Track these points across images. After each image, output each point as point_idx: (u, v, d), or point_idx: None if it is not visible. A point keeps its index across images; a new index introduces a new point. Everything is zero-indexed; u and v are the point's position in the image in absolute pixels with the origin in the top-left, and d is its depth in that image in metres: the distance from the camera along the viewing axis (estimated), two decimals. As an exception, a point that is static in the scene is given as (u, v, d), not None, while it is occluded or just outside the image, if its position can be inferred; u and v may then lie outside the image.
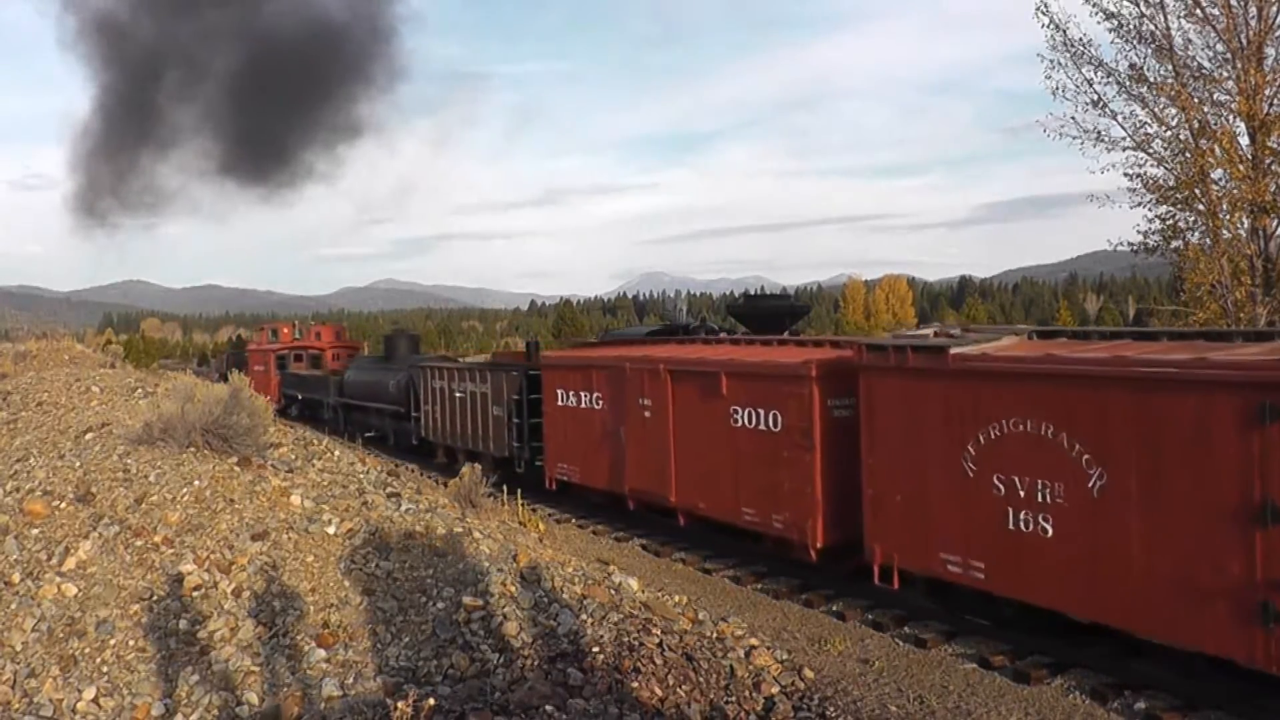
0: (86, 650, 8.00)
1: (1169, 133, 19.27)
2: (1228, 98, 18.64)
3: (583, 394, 16.52)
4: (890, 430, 10.69)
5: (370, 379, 29.36)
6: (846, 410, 11.56)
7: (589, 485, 16.83)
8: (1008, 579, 9.56)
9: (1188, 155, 19.02)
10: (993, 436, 9.57)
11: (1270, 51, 18.24)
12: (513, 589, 9.03)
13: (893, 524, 10.70)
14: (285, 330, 45.64)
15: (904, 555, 10.67)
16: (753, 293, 20.95)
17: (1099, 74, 19.67)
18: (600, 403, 16.05)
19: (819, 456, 11.72)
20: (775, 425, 12.34)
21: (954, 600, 10.65)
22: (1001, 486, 9.48)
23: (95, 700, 7.58)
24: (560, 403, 17.23)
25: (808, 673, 9.19)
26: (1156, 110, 19.30)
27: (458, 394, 21.68)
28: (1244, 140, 18.55)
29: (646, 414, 14.65)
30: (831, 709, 8.48)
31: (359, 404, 30.00)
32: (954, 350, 9.99)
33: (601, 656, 8.21)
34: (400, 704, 5.54)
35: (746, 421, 12.77)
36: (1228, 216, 18.96)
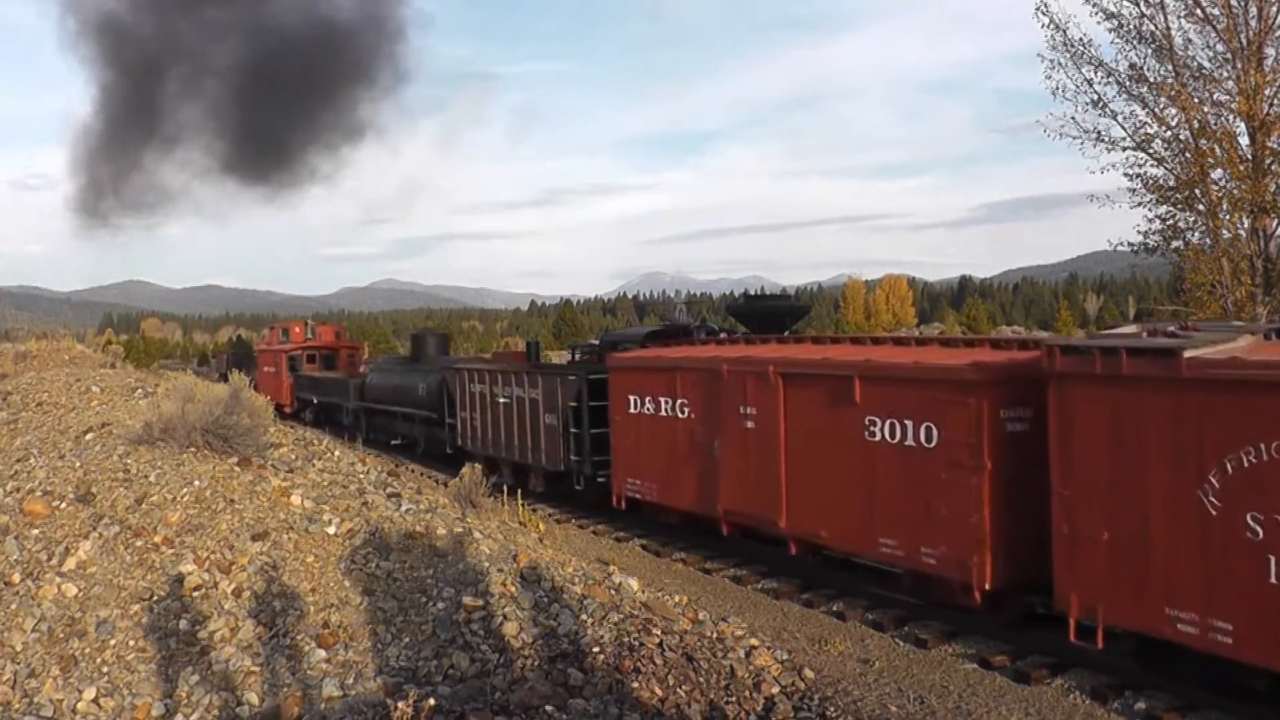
0: (87, 650, 8.00)
1: (1169, 133, 19.27)
2: (1228, 98, 18.64)
3: (663, 400, 14.52)
4: (1094, 453, 8.81)
5: (396, 382, 27.10)
6: (1021, 424, 9.85)
7: (668, 505, 14.78)
8: (1268, 645, 7.69)
9: (1188, 155, 19.03)
10: (1246, 465, 7.76)
11: (1270, 51, 18.25)
12: (513, 589, 9.03)
13: (1096, 569, 8.83)
14: (296, 329, 42.88)
15: (1111, 608, 8.75)
16: (753, 293, 20.75)
17: (1099, 74, 19.68)
18: (686, 410, 14.02)
19: (989, 479, 9.79)
20: (928, 440, 10.41)
21: (1179, 664, 8.74)
22: (1259, 529, 7.69)
23: (95, 700, 7.59)
24: (633, 410, 15.17)
25: (808, 673, 9.19)
26: (1156, 110, 19.31)
27: (501, 399, 19.49)
28: (1244, 140, 18.55)
29: (749, 424, 12.64)
30: (832, 709, 8.47)
31: (383, 409, 27.80)
32: (1189, 354, 8.08)
33: (602, 657, 8.21)
34: (400, 704, 5.55)
35: (888, 435, 10.83)
36: (1228, 217, 18.96)
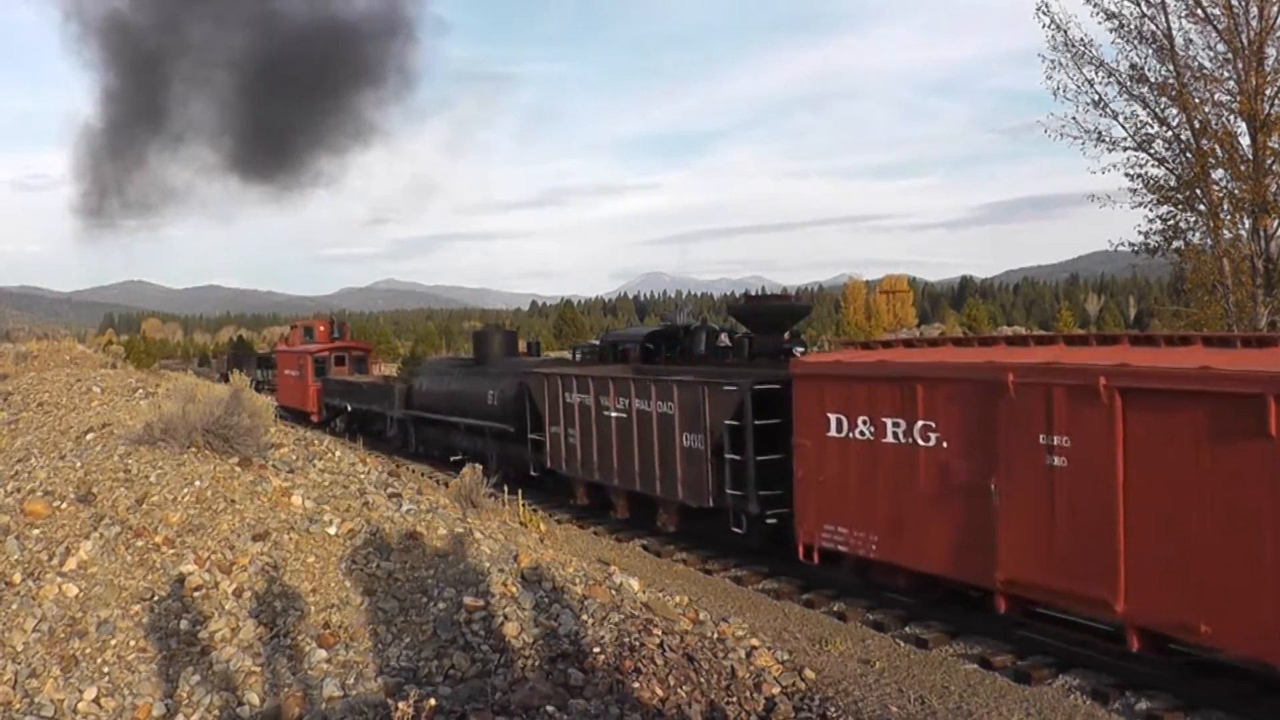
0: (87, 650, 8.00)
1: (1170, 133, 19.29)
2: (1229, 98, 18.65)
3: (891, 422, 10.95)
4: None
5: (456, 388, 23.39)
6: None
7: (895, 563, 11.16)
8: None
9: (1189, 155, 19.04)
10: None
11: (1271, 51, 18.26)
12: (514, 589, 9.03)
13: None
14: (321, 328, 39.37)
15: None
16: (753, 293, 20.58)
17: (1100, 74, 19.69)
18: (935, 437, 10.50)
19: None
20: None
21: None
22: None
23: (96, 700, 7.59)
24: (835, 433, 11.62)
25: (809, 673, 9.19)
26: (1157, 110, 19.32)
27: (613, 414, 15.70)
28: (1245, 140, 18.55)
29: (1056, 460, 9.24)
30: (832, 709, 8.47)
31: (439, 419, 24.14)
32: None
33: (602, 657, 8.21)
34: (401, 704, 5.55)
35: None
36: (1228, 217, 18.97)
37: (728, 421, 13.24)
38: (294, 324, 44.27)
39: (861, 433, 11.37)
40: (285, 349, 40.45)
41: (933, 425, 10.58)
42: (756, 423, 12.84)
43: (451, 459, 22.46)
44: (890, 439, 11.00)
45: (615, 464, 15.88)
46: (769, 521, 12.91)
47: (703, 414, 13.70)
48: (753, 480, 12.92)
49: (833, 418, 11.70)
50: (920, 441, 10.68)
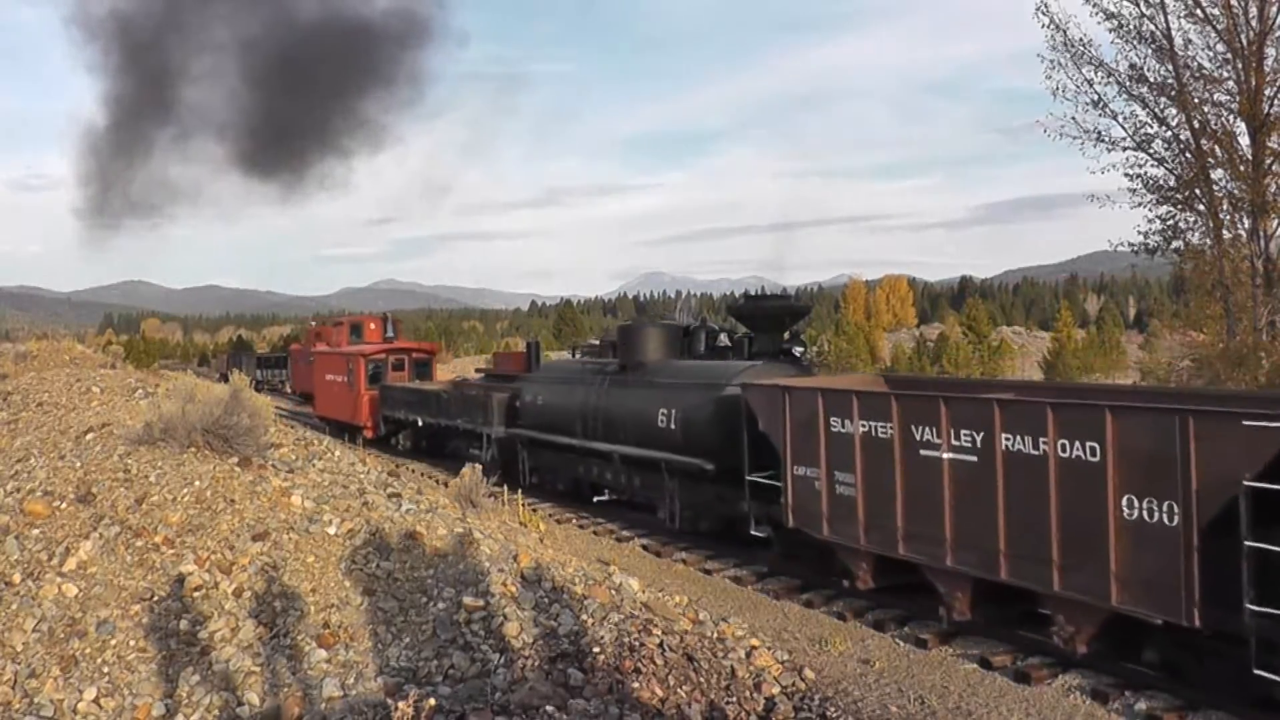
0: (87, 650, 8.00)
1: (1169, 133, 19.31)
2: (1228, 98, 18.67)
3: None
4: None
5: (599, 404, 17.60)
6: None
7: None
8: None
9: (1188, 155, 19.06)
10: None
11: (1271, 52, 18.29)
12: (513, 589, 9.03)
13: None
14: (372, 325, 33.30)
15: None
16: (753, 293, 20.31)
17: (1099, 74, 19.75)
18: None
19: None
20: None
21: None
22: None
23: (96, 700, 7.59)
24: None
25: (808, 673, 9.20)
26: (1157, 110, 19.35)
27: (945, 455, 10.26)
28: (1245, 140, 18.57)
29: None
30: (832, 709, 8.48)
31: (566, 444, 18.35)
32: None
33: (602, 657, 8.21)
34: (401, 704, 5.55)
35: None
36: (1228, 217, 18.98)
37: (1250, 482, 7.68)
38: (337, 320, 36.93)
39: None
40: (326, 350, 33.84)
41: None
42: None
43: (595, 499, 17.91)
44: None
45: (949, 533, 10.26)
46: None
47: (1176, 465, 8.21)
48: None
49: None
50: None
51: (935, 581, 10.63)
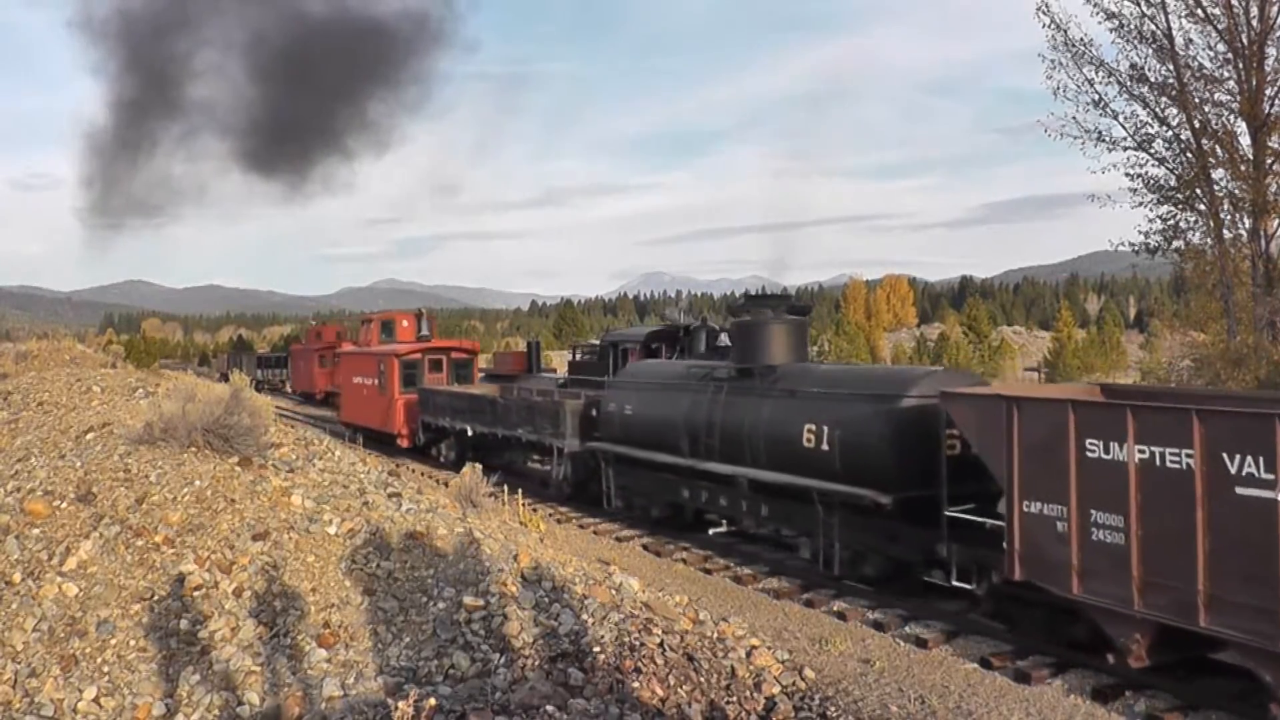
0: (87, 650, 8.00)
1: (1170, 133, 19.32)
2: (1229, 98, 18.67)
3: None
4: None
5: (713, 417, 14.34)
6: None
7: None
8: None
9: (1189, 155, 19.06)
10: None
11: (1271, 52, 18.30)
12: (514, 589, 9.03)
13: None
14: (405, 323, 30.40)
15: None
16: (753, 293, 20.13)
17: (1100, 74, 19.76)
18: None
19: None
20: None
21: None
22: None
23: (96, 700, 7.59)
24: None
25: (809, 673, 9.19)
26: (1157, 110, 19.36)
27: None
28: (1245, 140, 18.58)
29: None
30: (832, 709, 8.48)
31: (671, 464, 15.16)
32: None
33: (602, 656, 8.21)
34: (401, 704, 5.55)
35: None
36: (1229, 217, 18.99)
37: None
38: (368, 316, 33.57)
39: None
40: (353, 350, 30.88)
41: None
42: None
43: (711, 531, 15.13)
44: None
45: None
46: None
47: None
48: None
49: None
50: None
51: (1260, 669, 7.96)
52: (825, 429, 12.25)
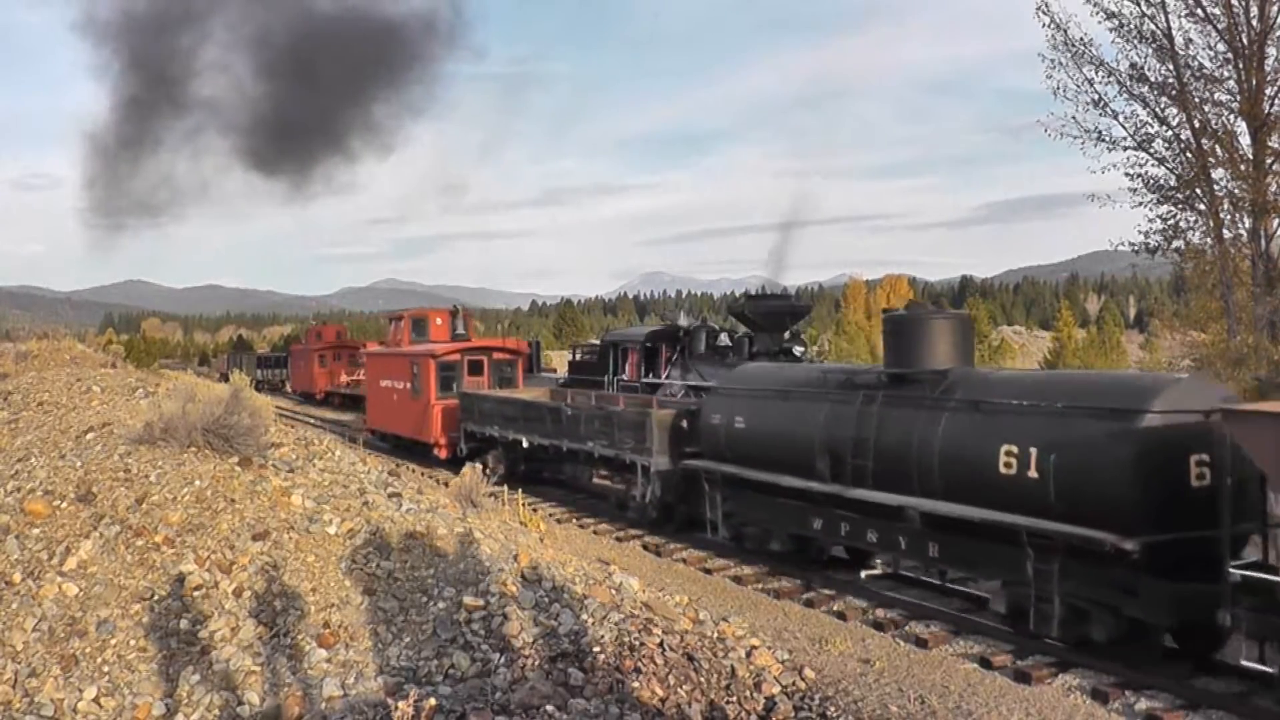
0: (87, 650, 8.00)
1: (1170, 132, 19.32)
2: (1229, 97, 18.68)
3: None
4: None
5: (861, 431, 11.70)
6: None
7: None
8: None
9: (1189, 155, 19.07)
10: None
11: (1271, 51, 18.31)
12: (514, 589, 9.03)
13: None
14: (439, 320, 27.72)
15: None
16: (754, 292, 20.09)
17: (1100, 74, 19.76)
18: None
19: None
20: None
21: None
22: None
23: (96, 700, 7.59)
24: None
25: (809, 673, 9.19)
26: (1157, 110, 19.37)
27: None
28: (1245, 140, 18.59)
29: None
30: (832, 709, 8.48)
31: (803, 489, 12.44)
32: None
33: (602, 656, 8.21)
34: (401, 704, 5.55)
35: None
36: (1229, 216, 19.00)
37: None
38: (400, 314, 30.37)
39: None
40: (381, 351, 28.62)
41: None
42: None
43: (864, 574, 12.57)
44: None
45: None
46: None
47: None
48: None
49: None
50: None
51: None
52: (1033, 451, 9.69)
